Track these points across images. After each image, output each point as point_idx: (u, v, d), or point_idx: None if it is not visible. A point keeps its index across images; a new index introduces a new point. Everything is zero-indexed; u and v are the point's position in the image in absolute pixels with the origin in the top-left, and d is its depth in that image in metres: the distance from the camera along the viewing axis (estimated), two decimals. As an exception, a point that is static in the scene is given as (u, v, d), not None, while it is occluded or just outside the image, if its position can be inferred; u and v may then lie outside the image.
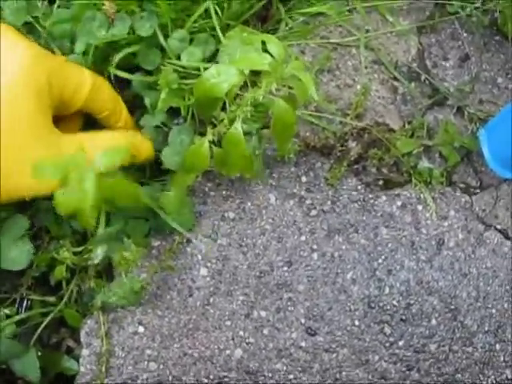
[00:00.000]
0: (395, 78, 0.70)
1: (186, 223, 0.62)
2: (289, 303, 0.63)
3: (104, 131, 0.57)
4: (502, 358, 0.65)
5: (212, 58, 0.64)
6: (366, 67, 0.70)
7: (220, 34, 0.62)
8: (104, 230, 0.55)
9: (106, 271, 0.62)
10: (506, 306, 0.66)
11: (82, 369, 0.60)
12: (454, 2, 0.72)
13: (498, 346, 0.65)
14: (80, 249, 0.57)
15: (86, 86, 0.53)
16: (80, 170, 0.43)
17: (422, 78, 0.71)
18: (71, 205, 0.43)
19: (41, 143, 0.48)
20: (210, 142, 0.56)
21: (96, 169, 0.44)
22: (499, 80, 0.73)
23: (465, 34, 0.74)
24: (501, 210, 0.69)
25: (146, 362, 0.61)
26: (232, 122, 0.53)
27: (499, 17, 0.73)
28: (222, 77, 0.51)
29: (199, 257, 0.63)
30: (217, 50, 0.64)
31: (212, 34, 0.65)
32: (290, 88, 0.57)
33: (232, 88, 0.52)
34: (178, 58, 0.61)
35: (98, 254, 0.53)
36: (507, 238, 0.68)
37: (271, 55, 0.52)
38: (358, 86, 0.69)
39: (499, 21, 0.73)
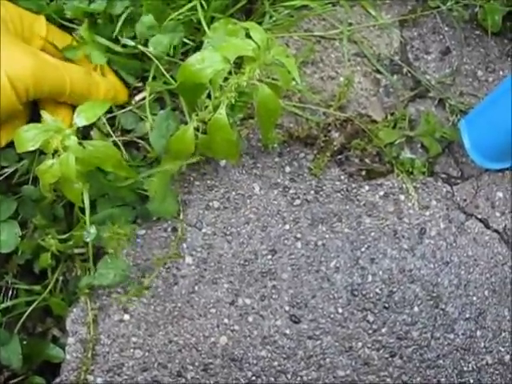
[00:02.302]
0: (378, 71, 0.72)
1: (170, 210, 0.62)
2: (273, 291, 0.64)
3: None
4: (482, 344, 0.66)
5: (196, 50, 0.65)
6: (348, 60, 0.71)
7: (205, 25, 0.63)
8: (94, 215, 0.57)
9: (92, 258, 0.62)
10: (486, 293, 0.67)
11: (68, 356, 0.61)
12: (435, -3, 0.74)
13: (478, 333, 0.66)
14: (65, 236, 0.57)
15: (42, 27, 0.57)
16: (61, 136, 0.44)
17: (404, 70, 0.72)
18: (55, 174, 0.43)
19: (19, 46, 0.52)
20: (194, 128, 0.56)
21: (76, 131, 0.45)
22: (479, 73, 0.74)
23: (446, 28, 0.75)
24: (481, 199, 0.70)
25: (131, 350, 0.62)
26: (216, 108, 0.54)
27: (479, 12, 0.74)
28: (206, 63, 0.52)
29: (184, 245, 0.64)
30: (201, 42, 0.65)
31: (196, 27, 0.67)
32: (273, 80, 0.58)
33: (216, 75, 0.53)
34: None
35: (92, 232, 0.54)
36: (488, 227, 0.69)
37: (255, 42, 0.53)
38: (341, 78, 0.70)
39: (479, 15, 0.74)
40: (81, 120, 0.46)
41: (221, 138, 0.55)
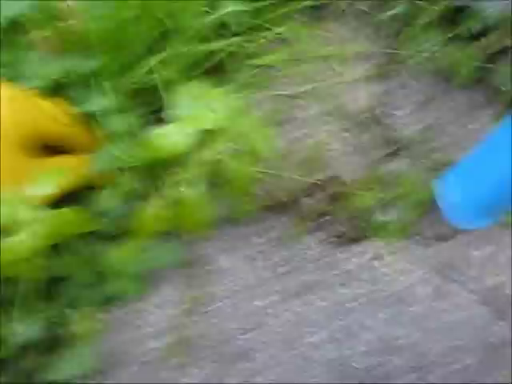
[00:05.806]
0: (346, 129, 0.69)
1: (133, 290, 0.58)
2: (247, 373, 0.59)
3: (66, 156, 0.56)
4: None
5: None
6: (316, 119, 0.68)
7: (162, 93, 0.60)
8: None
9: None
10: (469, 361, 0.64)
11: None
12: (402, 52, 0.72)
13: (463, 405, 0.63)
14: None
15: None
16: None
17: (374, 128, 0.70)
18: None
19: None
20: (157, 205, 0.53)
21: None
22: (450, 128, 0.72)
23: (414, 83, 0.73)
24: (458, 260, 0.67)
25: None
26: (185, 183, 0.51)
27: (448, 65, 0.72)
28: (175, 137, 0.50)
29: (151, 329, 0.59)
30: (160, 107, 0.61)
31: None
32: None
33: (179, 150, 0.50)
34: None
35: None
36: (466, 289, 0.67)
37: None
38: (309, 140, 0.67)
39: (448, 69, 0.73)
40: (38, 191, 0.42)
41: (195, 214, 0.52)
